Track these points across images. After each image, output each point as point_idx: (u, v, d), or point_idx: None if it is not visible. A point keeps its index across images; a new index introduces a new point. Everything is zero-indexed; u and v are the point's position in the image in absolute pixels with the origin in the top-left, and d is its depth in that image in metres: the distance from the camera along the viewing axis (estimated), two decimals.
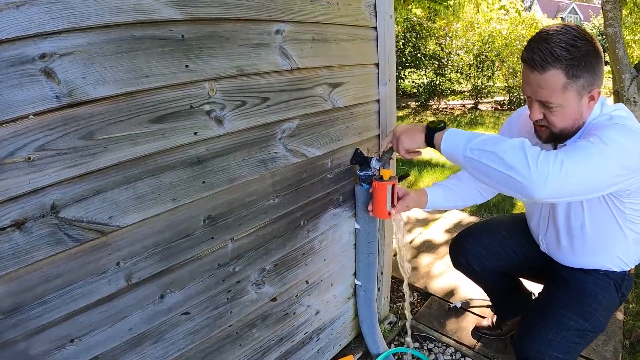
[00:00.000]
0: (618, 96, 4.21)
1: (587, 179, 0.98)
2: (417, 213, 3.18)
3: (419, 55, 8.80)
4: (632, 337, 1.94)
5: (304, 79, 1.14)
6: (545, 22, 9.44)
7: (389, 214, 1.29)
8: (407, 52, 8.88)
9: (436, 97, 9.17)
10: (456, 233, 1.93)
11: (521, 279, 1.81)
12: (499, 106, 9.11)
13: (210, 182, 0.98)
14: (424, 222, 3.03)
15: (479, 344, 1.89)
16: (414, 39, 8.82)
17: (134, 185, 0.82)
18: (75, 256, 0.75)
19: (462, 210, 3.21)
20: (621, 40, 3.99)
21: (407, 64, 9.01)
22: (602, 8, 4.12)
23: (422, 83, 9.05)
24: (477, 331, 1.95)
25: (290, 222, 1.23)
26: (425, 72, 8.97)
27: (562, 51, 1.01)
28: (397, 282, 2.29)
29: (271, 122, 1.07)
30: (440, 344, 1.90)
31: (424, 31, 8.78)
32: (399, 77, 9.26)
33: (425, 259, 2.52)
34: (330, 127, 1.27)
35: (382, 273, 1.79)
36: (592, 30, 22.67)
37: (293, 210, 1.22)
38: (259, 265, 1.17)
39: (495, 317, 1.95)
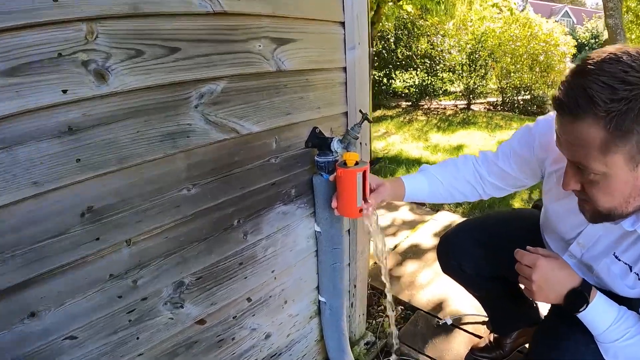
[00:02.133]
0: None
1: None
2: (404, 214, 2.89)
3: (410, 54, 8.65)
4: None
5: (234, 28, 0.84)
6: (539, 21, 9.27)
7: (360, 210, 1.00)
8: (399, 52, 8.71)
9: (427, 97, 9.02)
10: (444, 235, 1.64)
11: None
12: (491, 107, 8.95)
13: (89, 161, 0.69)
14: (411, 225, 2.73)
15: None
16: (405, 37, 8.66)
17: None
18: None
19: (454, 211, 2.93)
20: (622, 32, 3.82)
21: (399, 64, 8.86)
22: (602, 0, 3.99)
23: (414, 83, 8.90)
24: (473, 354, 1.65)
25: (217, 221, 0.92)
26: (417, 72, 8.81)
27: (603, 91, 0.67)
28: (377, 293, 2.00)
29: (182, 82, 0.77)
30: None
31: (415, 29, 8.61)
32: (390, 78, 9.13)
33: (410, 267, 2.22)
34: (275, 95, 0.97)
35: (355, 286, 1.48)
36: (584, 33, 22.67)
37: (220, 205, 0.92)
38: (173, 279, 0.87)
39: (492, 335, 1.66)
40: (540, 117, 1.07)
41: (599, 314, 0.89)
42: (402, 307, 1.97)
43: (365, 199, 1.00)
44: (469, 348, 1.69)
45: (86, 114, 0.67)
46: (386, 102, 9.07)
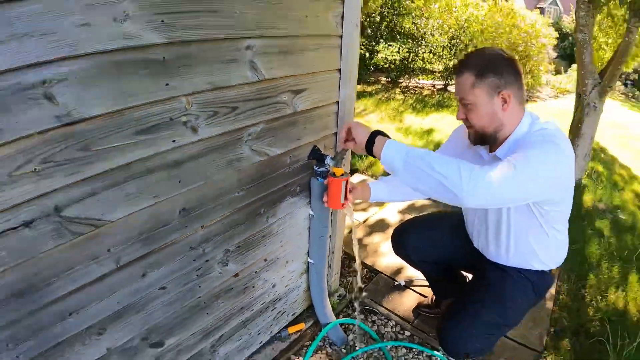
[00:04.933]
0: (580, 99, 4.44)
1: (511, 194, 1.16)
2: None
3: (394, 32, 8.85)
4: (557, 325, 2.26)
5: (269, 88, 1.29)
6: (524, 13, 9.53)
7: (342, 205, 1.49)
8: (382, 27, 8.89)
9: (407, 75, 9.28)
10: (408, 215, 2.16)
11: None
12: None
13: (185, 181, 1.14)
14: (381, 203, 3.27)
15: (418, 320, 2.15)
16: (390, 15, 8.83)
17: (122, 186, 0.98)
18: (74, 246, 0.92)
19: None
20: (589, 47, 4.17)
21: (383, 38, 9.01)
22: (575, 14, 4.26)
23: (395, 59, 9.11)
24: (418, 309, 2.20)
25: (252, 211, 1.42)
26: (399, 49, 9.03)
27: (475, 59, 1.31)
28: (349, 257, 2.53)
29: (239, 128, 1.23)
30: (383, 318, 2.16)
31: (401, 8, 8.78)
32: (372, 52, 9.28)
33: (376, 238, 2.78)
34: (291, 128, 1.44)
35: (333, 252, 2.01)
36: (571, 23, 22.72)
37: (255, 201, 1.41)
38: (223, 247, 1.36)
39: (434, 297, 2.20)
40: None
41: (395, 145, 1.22)
42: (367, 270, 2.51)
43: (346, 198, 1.50)
44: (416, 304, 2.23)
45: (185, 153, 1.11)
46: (367, 76, 9.20)
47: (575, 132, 4.49)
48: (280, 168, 1.47)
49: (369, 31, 8.94)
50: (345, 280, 2.36)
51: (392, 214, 3.10)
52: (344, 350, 1.93)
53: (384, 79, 9.49)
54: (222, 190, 1.27)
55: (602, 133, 7.82)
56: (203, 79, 1.08)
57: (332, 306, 2.01)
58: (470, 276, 1.94)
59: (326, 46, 1.47)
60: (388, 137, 1.27)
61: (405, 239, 1.91)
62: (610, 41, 6.97)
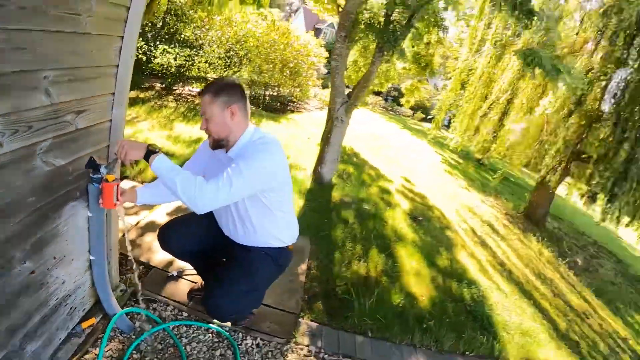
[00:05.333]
0: (330, 114, 5.43)
1: (235, 193, 1.74)
2: None
3: (174, 39, 8.82)
4: (309, 294, 3.06)
5: (58, 110, 1.56)
6: (299, 33, 10.82)
7: (115, 205, 1.83)
8: (163, 33, 8.76)
9: (181, 83, 9.39)
10: (176, 216, 2.59)
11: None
12: None
13: None
14: (150, 207, 3.59)
15: (192, 302, 2.60)
16: (173, 22, 8.76)
17: None
18: None
19: None
20: (340, 73, 5.17)
21: (162, 43, 8.82)
22: (334, 44, 5.12)
23: (170, 66, 9.04)
24: (191, 293, 2.65)
25: (43, 214, 1.64)
26: (176, 56, 9.02)
27: (213, 85, 1.91)
28: (125, 258, 2.79)
29: (33, 143, 1.48)
30: (162, 304, 2.54)
31: (185, 17, 8.81)
32: (149, 56, 8.91)
33: (148, 238, 3.12)
34: (73, 143, 1.72)
35: (110, 249, 2.28)
36: None
37: (44, 205, 1.63)
38: (22, 247, 1.55)
39: (203, 282, 2.67)
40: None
41: (161, 160, 1.70)
42: (143, 266, 2.83)
43: (118, 199, 1.82)
44: (189, 289, 2.68)
45: None
46: (141, 81, 8.90)
47: (326, 140, 5.54)
48: (64, 176, 1.72)
49: (149, 35, 8.69)
50: (125, 277, 2.63)
51: (161, 216, 3.48)
52: (133, 337, 2.23)
53: (159, 85, 9.34)
54: (20, 195, 1.48)
55: (359, 141, 9.70)
56: (6, 104, 1.31)
57: (117, 300, 2.28)
58: None
59: (105, 74, 1.82)
60: (158, 149, 1.74)
61: (167, 236, 2.32)
62: (362, 64, 8.37)
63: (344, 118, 5.35)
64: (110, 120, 1.97)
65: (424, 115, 22.19)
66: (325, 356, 2.56)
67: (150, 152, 1.73)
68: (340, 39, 5.06)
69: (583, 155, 6.72)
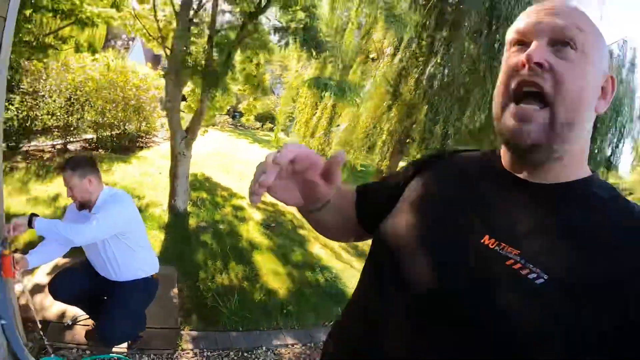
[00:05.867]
0: (173, 150, 5.93)
1: (98, 233, 2.35)
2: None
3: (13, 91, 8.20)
4: (184, 310, 3.81)
5: None
6: (137, 69, 10.96)
7: (14, 274, 2.27)
8: None
9: (27, 140, 8.88)
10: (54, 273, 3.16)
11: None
12: (88, 145, 9.89)
13: None
14: (30, 271, 3.85)
15: (91, 341, 3.04)
16: (9, 75, 7.81)
17: None
18: None
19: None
20: (175, 111, 5.71)
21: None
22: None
23: (13, 123, 8.36)
24: (87, 334, 3.08)
25: None
26: (17, 112, 8.38)
27: (70, 161, 2.49)
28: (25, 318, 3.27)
29: None
30: (67, 349, 3.03)
31: (21, 69, 8.29)
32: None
33: (37, 298, 3.54)
34: None
35: (13, 312, 2.79)
36: None
37: None
38: None
39: (94, 323, 3.07)
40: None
41: (43, 220, 2.23)
42: (42, 322, 3.30)
43: (15, 268, 2.32)
44: (85, 331, 3.09)
45: None
46: None
47: (173, 174, 6.04)
48: None
49: None
50: (30, 334, 3.08)
51: (43, 277, 3.79)
52: None
53: (4, 145, 8.26)
54: None
55: (210, 163, 10.22)
56: None
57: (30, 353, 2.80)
58: None
59: None
60: (37, 215, 2.29)
61: (54, 287, 2.75)
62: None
63: (185, 152, 5.96)
64: None
65: (272, 125, 23.45)
66: (208, 353, 3.36)
67: (30, 220, 2.25)
68: (171, 82, 5.60)
69: (407, 140, 8.29)
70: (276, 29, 5.83)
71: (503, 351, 0.66)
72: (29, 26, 5.85)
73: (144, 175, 8.51)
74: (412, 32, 7.13)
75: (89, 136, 10.41)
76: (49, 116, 9.24)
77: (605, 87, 0.78)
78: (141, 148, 11.44)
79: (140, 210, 6.36)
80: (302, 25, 5.07)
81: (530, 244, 0.71)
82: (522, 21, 0.77)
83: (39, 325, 2.78)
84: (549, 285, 0.66)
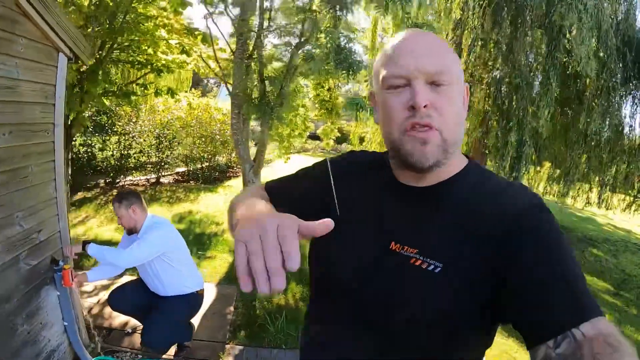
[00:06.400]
0: (244, 178, 6.47)
1: (136, 258, 2.85)
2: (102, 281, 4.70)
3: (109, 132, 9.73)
4: (234, 326, 4.11)
5: (28, 232, 2.70)
6: (220, 105, 11.89)
7: (72, 284, 2.89)
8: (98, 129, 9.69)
9: (122, 176, 10.17)
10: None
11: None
12: (180, 177, 10.88)
13: None
14: (106, 287, 4.58)
15: (144, 347, 3.46)
16: (103, 120, 9.74)
17: None
18: None
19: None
20: (242, 144, 6.19)
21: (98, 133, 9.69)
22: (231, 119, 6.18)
23: (110, 163, 9.84)
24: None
25: (29, 296, 2.72)
26: (114, 151, 9.87)
27: (120, 195, 3.00)
28: (94, 326, 3.79)
29: (18, 254, 2.60)
30: (122, 352, 3.53)
31: (113, 114, 9.78)
32: (90, 155, 9.75)
33: (107, 309, 4.07)
34: (38, 250, 2.84)
35: (76, 317, 3.30)
36: None
37: (30, 290, 2.71)
38: (20, 316, 2.61)
39: None
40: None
41: (94, 246, 2.84)
42: (106, 329, 3.85)
43: (72, 279, 2.89)
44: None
45: None
46: (85, 181, 9.53)
47: None
48: (38, 270, 2.81)
49: (90, 128, 9.41)
50: (95, 339, 3.58)
51: None
52: None
53: (102, 181, 10.05)
54: (14, 285, 2.56)
55: None
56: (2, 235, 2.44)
57: (89, 354, 3.28)
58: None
59: (50, 205, 2.97)
60: (90, 242, 2.88)
61: (111, 300, 3.25)
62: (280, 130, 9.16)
63: (254, 179, 6.38)
64: (59, 231, 3.10)
65: (351, 147, 23.45)
66: None
67: (84, 245, 2.88)
68: (235, 115, 6.08)
69: (485, 151, 8.00)
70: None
71: (415, 326, 0.88)
72: (113, 77, 6.80)
73: (227, 203, 8.94)
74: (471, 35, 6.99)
75: (181, 169, 11.48)
76: (140, 154, 10.45)
77: (465, 97, 0.96)
78: (229, 178, 12.29)
79: (216, 235, 6.97)
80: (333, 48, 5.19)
81: (424, 241, 0.91)
82: (398, 66, 0.90)
83: (97, 331, 3.21)
84: (444, 271, 0.86)
